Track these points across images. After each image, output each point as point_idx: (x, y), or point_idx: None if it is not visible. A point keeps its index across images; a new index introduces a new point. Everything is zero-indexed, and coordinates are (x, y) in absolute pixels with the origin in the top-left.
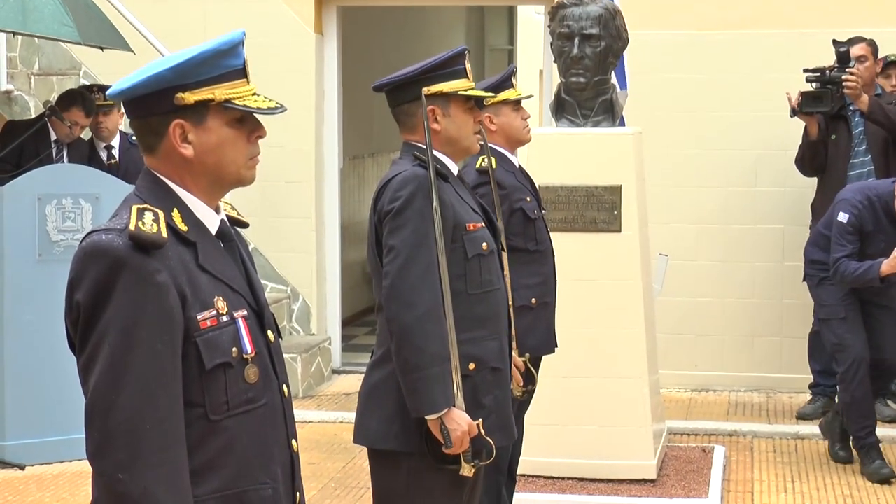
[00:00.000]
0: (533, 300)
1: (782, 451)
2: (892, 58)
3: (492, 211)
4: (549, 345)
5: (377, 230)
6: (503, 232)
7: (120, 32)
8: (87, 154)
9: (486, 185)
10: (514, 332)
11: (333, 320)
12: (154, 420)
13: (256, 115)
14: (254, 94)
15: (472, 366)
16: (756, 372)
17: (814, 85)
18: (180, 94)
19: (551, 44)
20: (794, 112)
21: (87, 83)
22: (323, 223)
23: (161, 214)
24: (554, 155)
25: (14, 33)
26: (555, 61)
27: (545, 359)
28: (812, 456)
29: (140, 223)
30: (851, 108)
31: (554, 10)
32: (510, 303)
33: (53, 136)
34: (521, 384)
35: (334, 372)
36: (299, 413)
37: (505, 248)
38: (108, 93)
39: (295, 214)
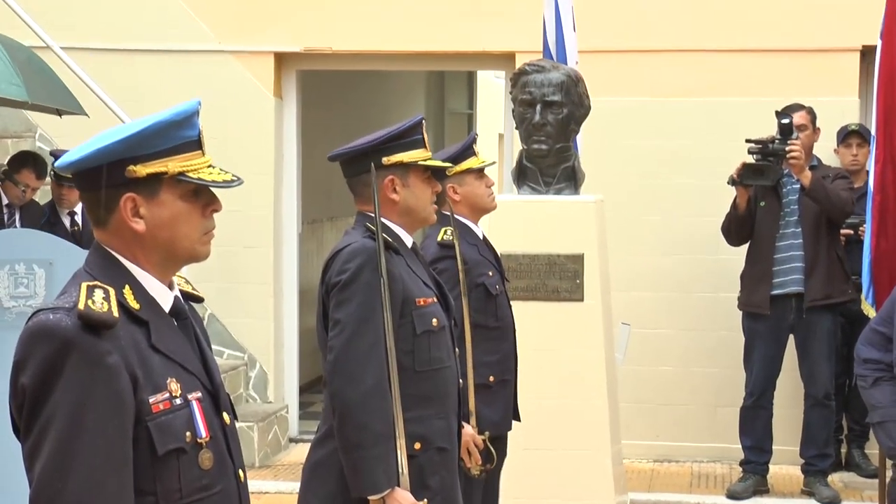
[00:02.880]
0: (491, 378)
1: None
2: (853, 127)
3: (450, 285)
4: (507, 423)
5: (324, 302)
6: (466, 308)
7: (74, 95)
8: (39, 217)
9: (447, 260)
10: (472, 409)
11: (291, 388)
12: None
13: (212, 189)
14: (209, 165)
15: (417, 445)
16: (719, 442)
17: (755, 157)
18: (132, 167)
19: (513, 110)
20: (734, 182)
21: (43, 146)
22: (281, 289)
23: (112, 292)
24: (516, 222)
25: None
26: (516, 128)
27: None
28: None
29: (90, 301)
30: (786, 177)
31: (515, 77)
32: (469, 380)
33: (5, 201)
34: (479, 462)
35: (291, 440)
36: (255, 483)
37: (457, 323)
38: (56, 164)
39: (253, 280)
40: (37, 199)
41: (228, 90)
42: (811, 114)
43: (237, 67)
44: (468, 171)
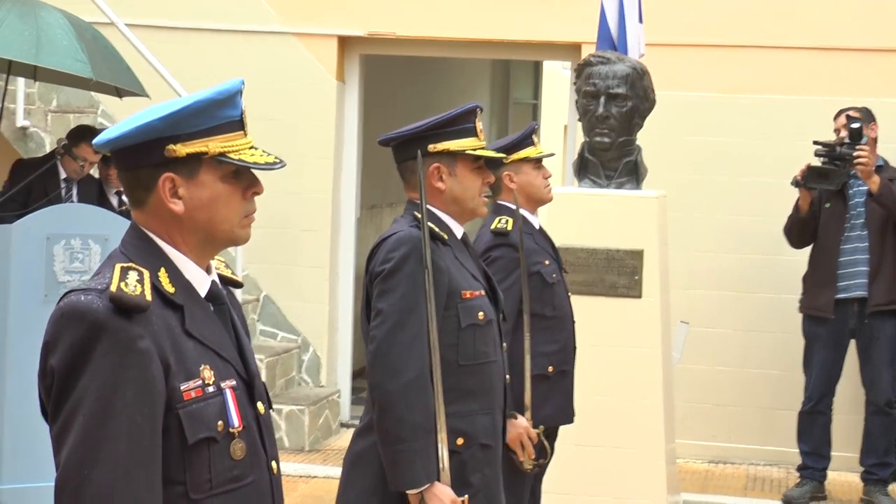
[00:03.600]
0: (550, 368)
1: None
2: None
3: (504, 274)
4: (567, 415)
5: (368, 291)
6: (525, 295)
7: (136, 76)
8: (97, 193)
9: (502, 248)
10: (527, 402)
11: (344, 372)
12: (129, 499)
13: (253, 171)
14: (251, 147)
15: (460, 441)
16: (776, 446)
17: (821, 160)
18: (171, 146)
19: (576, 101)
20: (798, 184)
21: (105, 122)
22: (337, 273)
23: (146, 275)
24: (575, 216)
25: (33, 77)
26: (579, 119)
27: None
28: None
29: (123, 284)
30: (852, 179)
31: (580, 68)
32: (525, 371)
33: (63, 175)
34: (532, 457)
35: (342, 425)
36: (304, 468)
37: (505, 317)
38: (94, 142)
39: (309, 263)
40: (93, 174)
41: (291, 72)
42: (873, 117)
43: (300, 49)
44: (525, 160)
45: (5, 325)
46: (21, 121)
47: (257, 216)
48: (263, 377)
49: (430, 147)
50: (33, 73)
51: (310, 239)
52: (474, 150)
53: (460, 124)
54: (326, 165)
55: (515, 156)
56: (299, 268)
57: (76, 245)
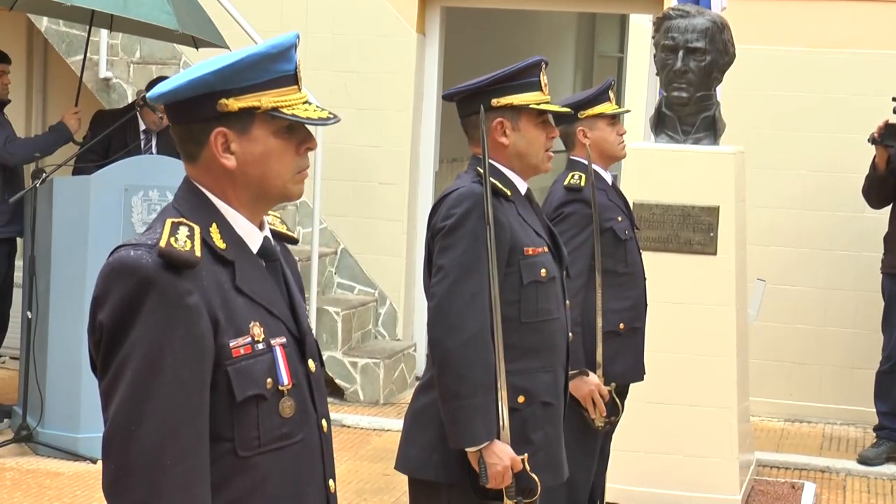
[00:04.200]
0: (621, 325)
1: (877, 492)
2: None
3: (576, 230)
4: (638, 372)
5: (430, 247)
6: (598, 254)
7: (217, 29)
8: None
9: (575, 203)
10: (599, 360)
11: (420, 326)
12: (177, 455)
13: (307, 126)
14: (305, 102)
15: (521, 399)
16: (853, 405)
17: None
18: (224, 101)
19: (654, 55)
20: (874, 141)
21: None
22: (415, 226)
23: (197, 230)
24: (650, 171)
25: (109, 28)
26: (657, 74)
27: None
28: None
29: (172, 239)
30: None
31: (659, 21)
32: (597, 328)
33: (142, 127)
34: (604, 414)
35: (417, 379)
36: (378, 421)
37: (569, 274)
38: (148, 95)
39: (387, 216)
40: None
41: (371, 24)
42: None
43: (381, 2)
44: (600, 115)
45: (84, 276)
46: (104, 72)
47: (336, 169)
48: (339, 330)
49: (494, 101)
50: (110, 24)
51: (388, 192)
52: (538, 104)
53: (524, 78)
54: (406, 118)
55: (591, 111)
56: (377, 221)
57: (154, 196)
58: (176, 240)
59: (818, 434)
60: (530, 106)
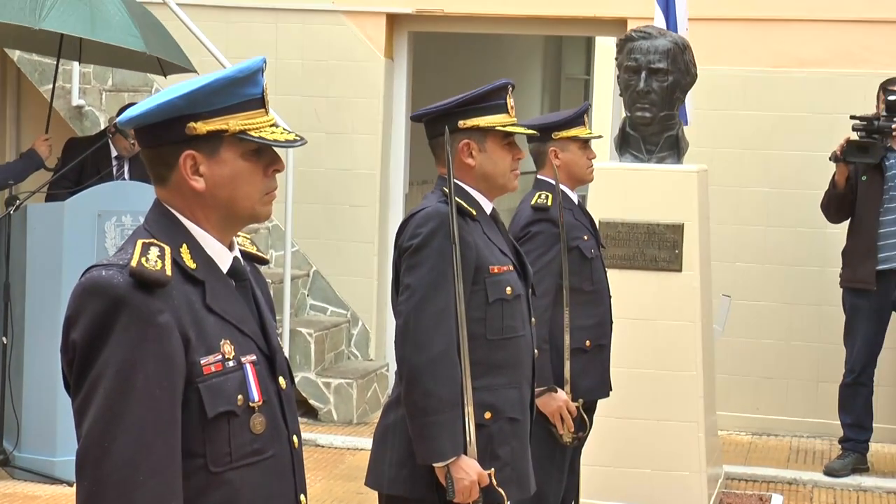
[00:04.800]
0: (587, 342)
1: (844, 502)
2: None
3: (543, 249)
4: (605, 388)
5: (397, 266)
6: (566, 272)
7: (184, 52)
8: None
9: (541, 223)
10: (567, 376)
11: (392, 346)
12: (149, 471)
13: (274, 149)
14: (272, 125)
15: (487, 415)
16: (819, 418)
17: (859, 134)
18: (192, 124)
19: (618, 77)
20: (837, 159)
21: None
22: (386, 248)
23: (167, 250)
24: (616, 190)
25: (78, 59)
26: (620, 94)
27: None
28: None
29: (143, 259)
30: (889, 152)
31: (622, 43)
32: (565, 345)
33: (114, 153)
34: (572, 430)
35: None
36: (352, 440)
37: (535, 292)
38: (118, 120)
39: (358, 238)
40: None
41: (340, 50)
42: None
43: (349, 27)
44: (574, 139)
45: (59, 301)
46: (76, 100)
47: (307, 193)
48: (312, 351)
49: (461, 123)
50: (79, 55)
51: (359, 214)
52: (504, 126)
53: (491, 100)
54: (375, 142)
55: (564, 133)
56: (349, 243)
57: (127, 222)
58: (147, 260)
59: (785, 447)
60: (496, 128)
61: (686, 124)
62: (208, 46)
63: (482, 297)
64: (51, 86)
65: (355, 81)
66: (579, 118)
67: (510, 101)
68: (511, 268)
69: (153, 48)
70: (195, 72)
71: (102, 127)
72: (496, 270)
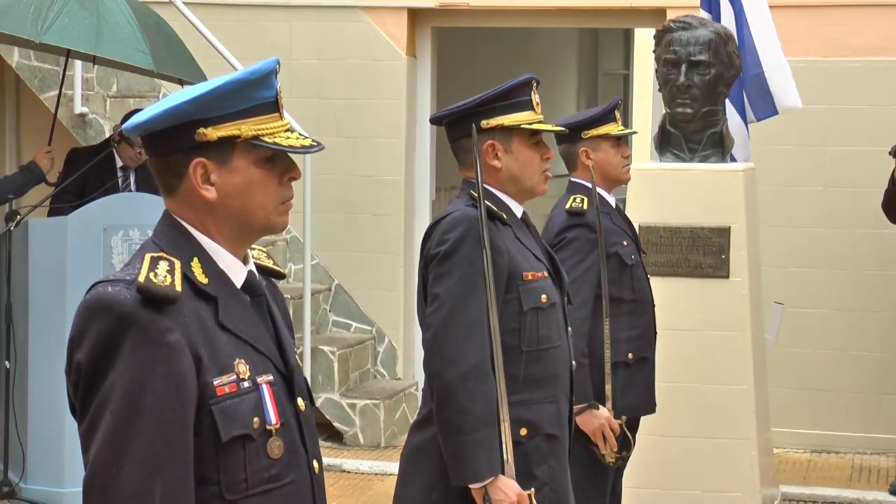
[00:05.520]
0: (630, 355)
1: None
2: None
3: (580, 256)
4: (649, 405)
5: (424, 276)
6: (604, 281)
7: (197, 64)
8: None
9: (577, 228)
10: (608, 392)
11: (421, 364)
12: (160, 500)
13: (290, 155)
14: (287, 129)
15: (524, 431)
16: (883, 433)
17: None
18: (202, 130)
19: (656, 70)
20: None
21: None
22: (412, 259)
23: (177, 265)
24: (656, 192)
25: (92, 61)
26: (660, 90)
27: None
28: None
29: (152, 274)
30: None
31: (660, 34)
32: (605, 359)
33: (119, 163)
34: (615, 450)
35: None
36: (380, 465)
37: (570, 300)
38: (124, 126)
39: (382, 249)
40: None
41: (359, 48)
42: None
43: (368, 24)
44: (605, 136)
45: (64, 323)
46: (79, 107)
47: (327, 201)
48: (336, 371)
49: (484, 123)
50: (92, 57)
51: (383, 224)
52: (530, 123)
53: (515, 97)
54: (398, 146)
55: (595, 131)
56: (372, 254)
57: (135, 236)
58: (155, 275)
59: (847, 465)
60: (521, 126)
61: (756, 120)
62: (218, 47)
63: (516, 305)
64: (52, 93)
65: (376, 82)
66: (610, 114)
67: (535, 98)
68: (546, 274)
69: (162, 64)
70: None
71: (107, 135)
72: (530, 277)
